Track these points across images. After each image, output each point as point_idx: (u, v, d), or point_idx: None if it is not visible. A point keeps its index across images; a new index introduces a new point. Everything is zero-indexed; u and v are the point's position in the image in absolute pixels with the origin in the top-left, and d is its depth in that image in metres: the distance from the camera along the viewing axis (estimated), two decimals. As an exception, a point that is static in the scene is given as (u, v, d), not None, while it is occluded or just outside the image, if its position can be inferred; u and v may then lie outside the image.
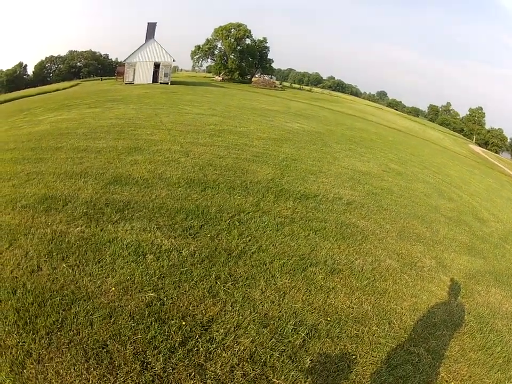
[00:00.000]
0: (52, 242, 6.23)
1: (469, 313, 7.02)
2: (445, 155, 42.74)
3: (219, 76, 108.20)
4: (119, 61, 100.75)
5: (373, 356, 5.15)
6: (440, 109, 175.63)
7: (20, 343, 4.30)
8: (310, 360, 4.79)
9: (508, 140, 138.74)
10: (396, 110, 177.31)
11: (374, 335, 5.58)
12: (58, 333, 4.47)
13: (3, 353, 4.17)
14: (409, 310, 6.45)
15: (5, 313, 4.69)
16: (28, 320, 4.60)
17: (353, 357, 5.05)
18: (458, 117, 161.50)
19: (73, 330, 4.52)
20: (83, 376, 4.02)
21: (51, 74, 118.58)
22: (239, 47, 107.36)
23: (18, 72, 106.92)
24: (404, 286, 7.18)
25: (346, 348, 5.17)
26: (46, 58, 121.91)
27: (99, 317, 4.78)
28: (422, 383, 4.96)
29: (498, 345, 6.30)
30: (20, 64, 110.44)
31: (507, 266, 10.64)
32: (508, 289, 8.88)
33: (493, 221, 15.47)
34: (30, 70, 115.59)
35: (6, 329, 4.46)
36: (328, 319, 5.62)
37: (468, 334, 6.32)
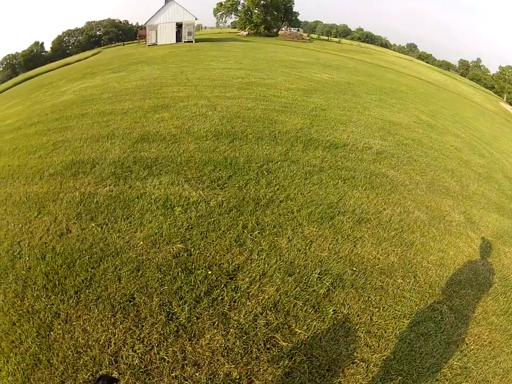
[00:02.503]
0: (80, 205, 6.27)
1: (494, 275, 6.78)
2: (476, 110, 41.61)
3: (245, 31, 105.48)
4: (140, 25, 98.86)
5: (396, 310, 5.01)
6: (471, 64, 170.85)
7: (48, 306, 4.34)
8: (333, 311, 4.69)
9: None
10: (427, 62, 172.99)
11: (398, 288, 5.42)
12: (87, 291, 4.52)
13: (30, 318, 4.21)
14: (436, 265, 6.25)
15: (34, 279, 4.73)
16: (57, 282, 4.64)
17: (376, 309, 4.92)
18: (488, 73, 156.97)
19: (101, 287, 4.57)
20: (109, 331, 4.08)
21: (70, 47, 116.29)
22: (262, 1, 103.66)
23: (35, 51, 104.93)
24: (431, 239, 6.95)
25: (370, 299, 5.04)
26: (63, 32, 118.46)
27: (127, 271, 4.82)
28: (443, 342, 4.82)
29: (521, 310, 6.10)
30: (36, 43, 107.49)
31: (536, 227, 10.34)
32: (535, 251, 8.61)
33: (524, 181, 15.07)
34: (48, 47, 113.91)
35: (35, 294, 4.51)
36: (354, 269, 5.48)
37: (491, 296, 6.11)
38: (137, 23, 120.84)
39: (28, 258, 5.08)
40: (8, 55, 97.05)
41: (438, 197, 8.85)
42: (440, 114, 21.94)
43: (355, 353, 4.29)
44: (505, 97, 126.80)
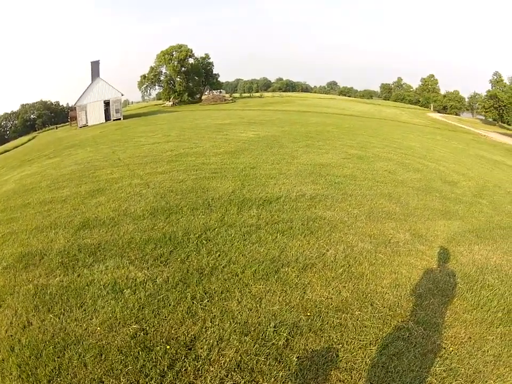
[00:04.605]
0: (36, 297, 6.28)
1: (455, 276, 7.17)
2: (404, 129, 43.43)
3: (169, 101, 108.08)
4: (70, 105, 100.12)
5: (360, 340, 5.21)
6: (393, 86, 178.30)
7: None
8: (296, 358, 4.84)
9: (466, 100, 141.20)
10: (349, 96, 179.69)
11: (357, 319, 5.64)
12: (58, 379, 4.55)
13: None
14: (391, 287, 6.54)
15: (9, 369, 4.78)
16: (30, 372, 4.69)
17: (340, 345, 5.10)
18: (411, 89, 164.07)
19: (70, 374, 4.61)
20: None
21: (8, 132, 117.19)
22: (183, 68, 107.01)
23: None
24: (380, 265, 7.28)
25: (331, 338, 5.22)
26: (0, 116, 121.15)
27: (91, 357, 4.85)
28: (418, 355, 5.02)
29: (493, 299, 6.44)
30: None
31: (486, 220, 10.91)
32: (491, 242, 9.10)
33: (464, 181, 15.89)
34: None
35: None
36: (308, 314, 5.67)
37: (457, 296, 6.45)
38: (67, 103, 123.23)
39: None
40: None
41: (380, 224, 9.28)
42: (368, 144, 22.90)
43: (330, 393, 4.44)
44: (431, 106, 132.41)
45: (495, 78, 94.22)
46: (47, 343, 5.18)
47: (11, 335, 5.43)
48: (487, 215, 11.51)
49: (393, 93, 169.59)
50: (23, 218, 10.55)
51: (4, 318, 5.86)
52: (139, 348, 4.99)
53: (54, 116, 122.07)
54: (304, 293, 6.20)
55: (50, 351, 5.02)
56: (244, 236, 8.25)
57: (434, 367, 4.85)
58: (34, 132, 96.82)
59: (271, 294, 6.14)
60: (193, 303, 5.92)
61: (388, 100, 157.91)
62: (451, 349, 5.17)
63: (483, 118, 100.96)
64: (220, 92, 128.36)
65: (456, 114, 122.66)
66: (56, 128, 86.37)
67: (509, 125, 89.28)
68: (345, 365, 4.78)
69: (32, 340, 5.27)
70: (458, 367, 4.85)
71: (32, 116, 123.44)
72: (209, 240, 8.05)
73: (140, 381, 4.48)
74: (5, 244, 8.77)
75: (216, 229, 8.58)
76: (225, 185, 12.04)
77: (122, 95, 71.63)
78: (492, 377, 4.79)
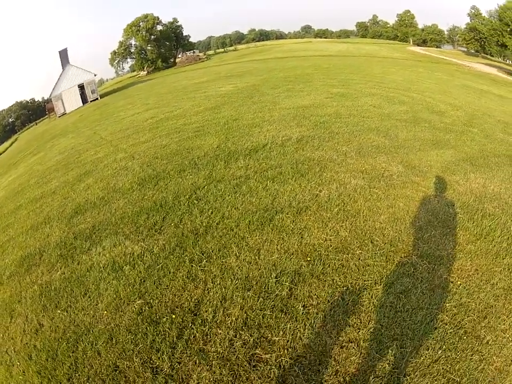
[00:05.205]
0: (42, 296, 6.20)
1: (454, 206, 7.04)
2: (385, 64, 43.04)
3: (144, 70, 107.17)
4: (46, 98, 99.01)
5: (365, 281, 5.10)
6: (369, 24, 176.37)
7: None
8: (302, 306, 4.74)
9: (445, 32, 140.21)
10: (325, 38, 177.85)
11: (359, 259, 5.53)
12: (76, 375, 4.53)
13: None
14: (389, 222, 6.41)
15: (31, 380, 4.74)
16: (50, 376, 4.65)
17: (345, 288, 4.99)
18: (388, 25, 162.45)
19: (87, 367, 4.58)
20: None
21: None
22: (153, 37, 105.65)
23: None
24: (376, 200, 7.14)
25: (335, 281, 5.11)
26: None
27: (103, 343, 4.82)
28: (426, 291, 4.92)
29: (496, 229, 6.31)
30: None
31: (479, 148, 10.77)
32: (487, 170, 8.98)
33: (452, 110, 15.75)
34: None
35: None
36: (308, 259, 5.55)
37: (459, 227, 6.32)
38: (42, 98, 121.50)
39: (19, 363, 5.05)
40: None
41: (370, 158, 9.12)
42: (350, 81, 22.73)
43: (340, 337, 4.33)
44: (411, 40, 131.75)
45: (473, 11, 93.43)
46: (60, 340, 5.14)
47: (26, 343, 5.37)
48: (480, 143, 11.36)
49: (369, 30, 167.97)
50: (18, 221, 10.43)
51: (16, 328, 5.79)
52: (146, 324, 4.93)
53: (32, 113, 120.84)
54: (301, 237, 6.08)
55: (64, 348, 4.97)
56: (234, 188, 8.10)
57: (444, 303, 4.75)
58: (15, 134, 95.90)
59: (268, 244, 6.03)
60: (192, 266, 5.83)
61: (365, 37, 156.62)
62: (459, 282, 5.07)
63: (465, 49, 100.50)
64: (194, 52, 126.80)
65: (437, 47, 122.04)
66: (36, 124, 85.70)
67: (492, 56, 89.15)
68: (352, 308, 4.69)
69: (46, 341, 5.22)
70: (469, 302, 4.75)
71: (10, 120, 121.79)
72: (200, 199, 7.92)
73: (153, 357, 4.45)
74: (5, 253, 8.66)
75: (206, 187, 8.44)
76: (209, 142, 11.84)
77: (95, 75, 71.60)
78: (504, 312, 4.69)
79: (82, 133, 23.06)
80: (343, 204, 7.01)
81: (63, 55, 67.60)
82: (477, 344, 4.23)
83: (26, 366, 4.94)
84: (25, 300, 6.31)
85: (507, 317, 4.59)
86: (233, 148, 10.72)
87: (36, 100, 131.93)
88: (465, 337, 4.31)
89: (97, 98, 65.75)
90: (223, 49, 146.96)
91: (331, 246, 5.82)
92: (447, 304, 4.70)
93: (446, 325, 4.42)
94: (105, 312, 5.33)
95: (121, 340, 4.78)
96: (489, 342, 4.27)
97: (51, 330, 5.39)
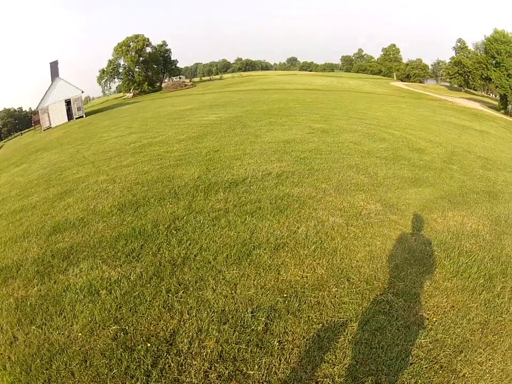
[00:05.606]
0: (17, 310, 6.16)
1: (431, 244, 7.20)
2: (368, 100, 43.76)
3: (130, 92, 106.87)
4: (33, 109, 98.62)
5: (340, 318, 5.18)
6: (354, 57, 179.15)
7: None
8: (278, 342, 4.79)
9: (430, 67, 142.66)
10: (310, 71, 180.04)
11: (335, 296, 5.61)
12: None
13: None
14: (366, 260, 6.53)
15: None
16: None
17: (320, 325, 5.05)
18: (373, 59, 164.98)
19: None
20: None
21: None
22: (141, 58, 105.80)
23: None
24: (353, 238, 7.25)
25: (310, 318, 5.17)
26: None
27: (77, 365, 4.78)
28: (401, 328, 5.02)
29: (473, 266, 6.49)
30: None
31: (458, 185, 11.01)
32: (465, 208, 9.19)
33: (432, 147, 16.07)
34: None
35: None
36: (285, 295, 5.62)
37: (436, 265, 6.47)
38: (30, 108, 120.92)
39: (-8, 371, 5.05)
40: None
41: (349, 196, 9.27)
42: (332, 116, 23.03)
43: (316, 373, 4.39)
44: (394, 75, 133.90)
45: (459, 44, 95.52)
46: (34, 356, 5.10)
47: (1, 353, 5.33)
48: (459, 180, 11.61)
49: (354, 64, 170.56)
50: (-3, 232, 10.32)
51: (-9, 337, 5.80)
52: (121, 349, 4.92)
53: (18, 122, 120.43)
54: (278, 274, 6.15)
55: (38, 364, 4.93)
56: (213, 221, 8.15)
57: (419, 339, 4.85)
58: (1, 141, 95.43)
59: (245, 278, 6.07)
60: (168, 296, 5.84)
61: (350, 71, 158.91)
62: (434, 319, 5.18)
63: (448, 84, 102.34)
64: (180, 78, 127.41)
65: (420, 82, 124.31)
66: (21, 135, 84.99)
67: (476, 90, 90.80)
68: (327, 344, 4.75)
69: (20, 355, 5.18)
70: (444, 337, 4.87)
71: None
72: (179, 230, 7.94)
73: (127, 383, 4.42)
74: (-17, 262, 8.59)
75: (185, 217, 8.47)
76: (190, 171, 11.90)
77: (82, 92, 70.50)
78: (481, 345, 4.81)
79: (66, 150, 22.96)
80: (320, 241, 7.10)
81: (53, 67, 66.85)
82: (453, 378, 4.34)
83: (1, 375, 4.91)
84: (1, 311, 6.27)
85: (483, 350, 4.71)
86: (214, 180, 10.78)
87: (23, 110, 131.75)
88: (440, 372, 4.41)
89: (82, 116, 65.24)
90: (208, 77, 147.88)
91: (307, 283, 5.89)
92: (423, 340, 4.80)
93: (422, 360, 4.52)
94: (80, 334, 5.32)
95: (95, 363, 4.77)
96: (466, 375, 4.38)
97: (25, 345, 5.36)
